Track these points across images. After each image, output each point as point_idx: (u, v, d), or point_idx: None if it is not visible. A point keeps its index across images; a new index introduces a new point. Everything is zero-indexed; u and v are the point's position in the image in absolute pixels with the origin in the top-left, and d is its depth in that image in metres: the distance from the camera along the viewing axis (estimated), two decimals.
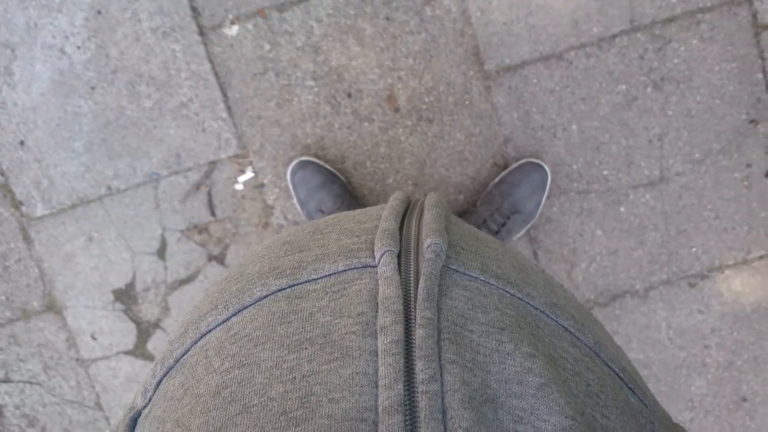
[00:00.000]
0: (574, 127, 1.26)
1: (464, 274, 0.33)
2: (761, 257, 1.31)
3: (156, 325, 1.40)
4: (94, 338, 1.42)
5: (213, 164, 1.30)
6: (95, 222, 1.35)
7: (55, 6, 1.26)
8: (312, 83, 1.27)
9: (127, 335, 1.41)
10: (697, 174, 1.28)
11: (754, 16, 1.22)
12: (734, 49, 1.23)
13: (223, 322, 0.32)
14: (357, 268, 0.32)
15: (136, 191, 1.33)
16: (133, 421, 0.33)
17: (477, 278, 0.33)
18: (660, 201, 1.29)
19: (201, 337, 0.32)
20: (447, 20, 1.23)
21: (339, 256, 0.33)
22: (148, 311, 1.40)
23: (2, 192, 1.34)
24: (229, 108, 1.28)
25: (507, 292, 0.33)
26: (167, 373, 0.32)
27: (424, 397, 0.25)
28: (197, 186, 1.32)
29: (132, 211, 1.34)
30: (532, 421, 0.26)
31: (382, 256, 0.32)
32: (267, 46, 1.25)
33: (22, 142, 1.31)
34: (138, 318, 1.40)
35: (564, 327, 0.33)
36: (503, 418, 0.26)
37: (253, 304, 0.32)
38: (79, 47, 1.27)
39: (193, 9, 1.24)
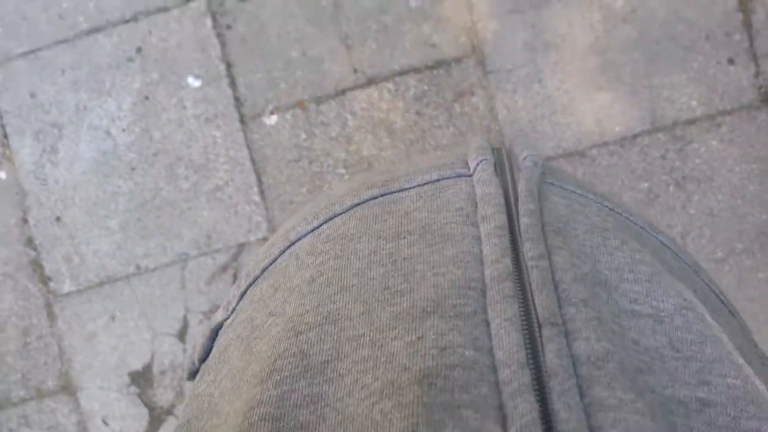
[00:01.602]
0: None
1: (561, 188, 0.32)
2: None
3: (169, 411, 1.37)
4: (105, 423, 1.39)
5: (242, 246, 1.33)
6: (120, 301, 1.35)
7: (105, 90, 1.33)
8: (343, 171, 1.31)
9: (139, 421, 1.37)
10: (721, 273, 1.29)
11: None
12: (754, 151, 1.28)
13: (313, 230, 0.31)
14: (452, 177, 0.31)
15: (164, 271, 1.34)
16: (215, 333, 0.31)
17: (574, 191, 0.32)
18: None
19: (290, 246, 0.31)
20: (475, 117, 1.30)
21: (432, 169, 0.32)
22: (163, 396, 1.37)
23: (32, 267, 1.36)
24: (262, 192, 1.32)
25: (605, 206, 0.32)
26: (253, 282, 0.31)
27: (534, 270, 0.23)
28: (224, 268, 1.34)
29: (158, 291, 1.35)
30: (649, 302, 0.25)
31: (478, 164, 0.30)
32: (303, 135, 1.31)
33: (58, 218, 1.35)
34: (152, 403, 1.37)
35: (664, 243, 0.32)
36: (618, 299, 0.24)
37: (344, 212, 0.31)
38: (124, 130, 1.34)
39: (236, 99, 1.32)
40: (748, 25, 1.25)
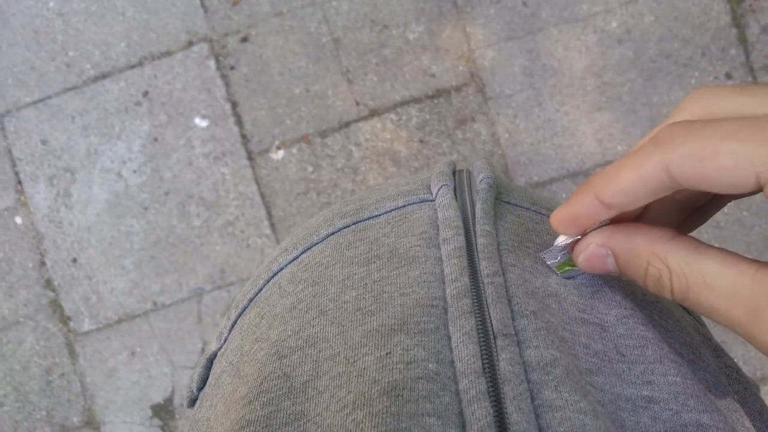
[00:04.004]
0: None
1: (516, 205, 0.34)
2: None
3: None
4: None
5: None
6: (139, 337, 1.38)
7: (115, 134, 1.36)
8: None
9: None
10: None
11: None
12: None
13: (293, 260, 0.34)
14: (416, 202, 0.33)
15: (180, 306, 1.37)
16: (210, 362, 0.34)
17: (528, 209, 0.34)
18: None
19: (273, 276, 0.34)
20: (477, 142, 1.32)
21: (398, 196, 0.34)
22: (185, 427, 1.40)
23: (52, 308, 1.39)
24: (272, 225, 1.35)
25: None
26: (242, 313, 0.34)
27: (489, 286, 0.26)
28: None
29: (175, 325, 1.38)
30: (595, 314, 0.27)
31: (439, 189, 0.33)
32: (310, 168, 1.34)
33: (74, 260, 1.38)
34: None
35: None
36: (568, 308, 0.27)
37: (320, 241, 0.33)
38: (135, 171, 1.37)
39: (243, 136, 1.35)
40: (743, 39, 1.27)
